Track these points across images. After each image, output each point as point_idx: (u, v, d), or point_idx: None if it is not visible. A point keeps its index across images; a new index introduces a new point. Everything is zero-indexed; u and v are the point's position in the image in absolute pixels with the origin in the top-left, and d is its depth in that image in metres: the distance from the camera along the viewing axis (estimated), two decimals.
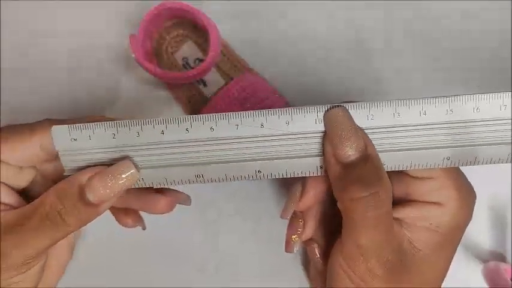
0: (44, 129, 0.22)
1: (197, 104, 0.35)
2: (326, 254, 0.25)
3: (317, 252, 0.25)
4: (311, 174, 0.22)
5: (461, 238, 0.23)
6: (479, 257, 0.35)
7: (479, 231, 0.36)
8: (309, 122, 0.21)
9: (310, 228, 0.24)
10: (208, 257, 0.36)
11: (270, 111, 0.21)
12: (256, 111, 0.21)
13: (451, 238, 0.23)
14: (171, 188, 0.26)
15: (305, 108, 0.21)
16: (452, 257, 0.24)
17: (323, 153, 0.21)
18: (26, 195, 0.24)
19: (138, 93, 0.36)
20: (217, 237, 0.36)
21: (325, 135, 0.21)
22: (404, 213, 0.22)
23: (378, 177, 0.20)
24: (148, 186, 0.22)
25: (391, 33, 0.36)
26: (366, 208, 0.20)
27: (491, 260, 0.35)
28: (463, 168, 0.23)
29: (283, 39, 0.36)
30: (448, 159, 0.21)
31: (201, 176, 0.22)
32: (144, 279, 0.36)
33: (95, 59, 0.37)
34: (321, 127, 0.21)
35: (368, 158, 0.20)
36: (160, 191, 0.26)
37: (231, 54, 0.35)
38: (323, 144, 0.21)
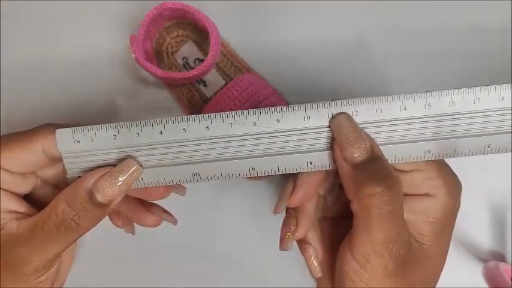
0: (46, 133, 0.23)
1: (197, 104, 0.35)
2: (325, 259, 0.26)
3: (313, 257, 0.26)
4: (302, 170, 0.23)
5: (454, 225, 0.24)
6: (479, 257, 0.36)
7: (479, 231, 0.36)
8: (298, 119, 0.22)
9: (303, 226, 0.25)
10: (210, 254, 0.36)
11: (261, 110, 0.22)
12: (249, 110, 0.22)
13: (447, 226, 0.24)
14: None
15: (294, 106, 0.22)
16: (449, 244, 0.24)
17: (334, 158, 0.22)
18: (27, 200, 0.24)
19: (138, 93, 0.36)
20: (219, 235, 0.36)
21: (334, 140, 0.22)
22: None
23: (387, 173, 0.21)
24: (147, 185, 0.23)
25: (392, 34, 0.36)
26: (382, 202, 0.21)
27: (491, 260, 0.35)
28: (459, 170, 0.24)
29: (283, 39, 0.36)
30: (429, 151, 0.22)
31: (197, 174, 0.23)
32: (143, 279, 0.36)
33: (95, 59, 0.36)
34: (309, 124, 0.22)
35: (376, 157, 0.22)
36: (150, 208, 0.27)
37: (231, 54, 0.35)
38: (328, 147, 0.22)
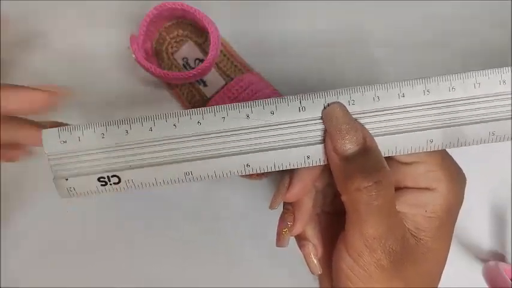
0: None
1: (197, 104, 0.35)
2: (325, 256, 0.25)
3: (312, 254, 0.25)
4: (300, 166, 0.22)
5: (456, 220, 0.23)
6: (479, 257, 0.36)
7: (479, 231, 0.36)
8: (293, 111, 0.21)
9: (300, 222, 0.24)
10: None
11: (254, 102, 0.21)
12: (242, 102, 0.21)
13: (447, 221, 0.23)
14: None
15: (288, 97, 0.21)
16: (451, 240, 0.24)
17: (325, 149, 0.21)
18: None
19: (138, 93, 0.36)
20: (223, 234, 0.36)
21: (326, 131, 0.21)
22: (399, 202, 0.23)
23: (378, 167, 0.20)
24: (137, 187, 0.22)
25: (393, 32, 0.36)
26: (370, 197, 0.20)
27: (491, 260, 0.35)
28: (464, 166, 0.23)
29: (283, 39, 0.36)
30: (431, 141, 0.21)
31: (190, 173, 0.21)
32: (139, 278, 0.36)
33: (95, 59, 0.36)
34: (304, 115, 0.21)
35: (368, 150, 0.21)
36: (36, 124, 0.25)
37: (231, 54, 0.35)
38: (324, 140, 0.21)
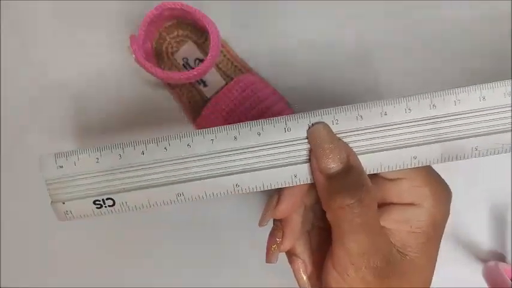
0: None
1: (197, 104, 0.35)
2: (316, 272, 0.25)
3: (302, 271, 0.25)
4: (288, 184, 0.22)
5: (442, 235, 0.24)
6: (479, 257, 0.36)
7: (479, 231, 0.36)
8: (279, 131, 0.22)
9: (289, 238, 0.24)
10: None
11: (241, 125, 0.22)
12: (230, 125, 0.22)
13: (433, 237, 0.23)
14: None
15: (274, 119, 0.22)
16: (437, 255, 0.24)
17: (311, 168, 0.22)
18: None
19: (138, 93, 0.36)
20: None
21: (311, 150, 0.22)
22: (384, 219, 0.23)
23: (361, 185, 0.21)
24: (131, 209, 0.23)
25: (392, 36, 0.36)
26: (353, 214, 0.20)
27: (491, 260, 0.35)
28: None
29: (283, 39, 0.36)
30: (415, 158, 0.22)
31: (181, 194, 0.22)
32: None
33: (94, 59, 0.36)
34: (290, 135, 0.22)
35: (350, 168, 0.21)
36: None
37: (231, 54, 0.35)
38: (309, 159, 0.22)
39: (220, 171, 0.22)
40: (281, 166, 0.22)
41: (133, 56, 0.32)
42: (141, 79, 0.36)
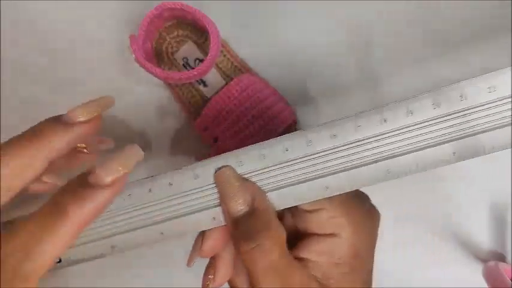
0: (51, 131, 0.21)
1: (197, 104, 0.35)
2: None
3: None
4: (209, 227, 0.23)
5: (370, 261, 0.23)
6: (479, 257, 0.36)
7: (479, 231, 0.36)
8: (189, 179, 0.22)
9: (220, 275, 0.24)
10: None
11: (156, 177, 0.22)
12: (144, 179, 0.22)
13: (356, 266, 0.23)
14: None
15: (183, 169, 0.22)
16: (367, 283, 0.24)
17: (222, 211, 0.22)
18: None
19: (138, 93, 0.36)
20: None
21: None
22: (306, 251, 0.23)
23: (263, 228, 0.21)
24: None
25: (393, 34, 0.36)
26: (255, 259, 0.21)
27: (491, 260, 0.35)
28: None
29: (283, 39, 0.36)
30: (327, 188, 0.21)
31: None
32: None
33: (94, 59, 0.36)
34: (201, 182, 0.22)
35: (255, 211, 0.21)
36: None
37: (231, 54, 0.35)
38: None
39: (141, 223, 0.22)
40: (199, 211, 0.22)
41: (133, 55, 0.32)
42: (141, 79, 0.36)
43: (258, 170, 0.22)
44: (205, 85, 0.35)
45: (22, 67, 0.37)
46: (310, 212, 0.23)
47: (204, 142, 0.35)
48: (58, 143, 0.21)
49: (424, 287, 0.35)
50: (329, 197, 0.21)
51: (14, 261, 0.17)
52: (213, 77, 0.35)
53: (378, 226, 0.24)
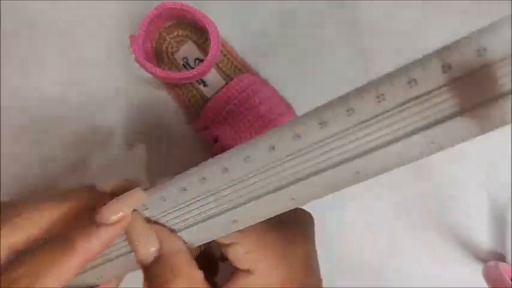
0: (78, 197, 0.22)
1: (197, 104, 0.35)
2: None
3: None
4: (129, 271, 0.23)
5: (311, 284, 0.23)
6: (479, 257, 0.36)
7: (479, 231, 0.36)
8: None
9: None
10: None
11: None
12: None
13: None
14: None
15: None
16: None
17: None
18: None
19: (138, 93, 0.36)
20: None
21: None
22: (231, 286, 0.22)
23: (171, 275, 0.20)
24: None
25: (392, 36, 0.36)
26: None
27: (491, 260, 0.35)
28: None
29: (283, 39, 0.36)
30: (235, 221, 0.20)
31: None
32: None
33: (94, 59, 0.36)
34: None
35: (160, 258, 0.21)
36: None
37: (231, 54, 0.35)
38: None
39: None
40: (117, 257, 0.22)
41: (133, 55, 0.32)
42: (141, 79, 0.36)
43: (163, 212, 0.21)
44: (205, 85, 0.35)
45: (22, 66, 0.37)
46: (228, 245, 0.22)
47: (204, 142, 0.35)
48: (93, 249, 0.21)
49: (424, 287, 0.35)
50: (242, 230, 0.20)
51: (24, 284, 0.19)
52: (213, 77, 0.35)
53: (312, 233, 0.23)
